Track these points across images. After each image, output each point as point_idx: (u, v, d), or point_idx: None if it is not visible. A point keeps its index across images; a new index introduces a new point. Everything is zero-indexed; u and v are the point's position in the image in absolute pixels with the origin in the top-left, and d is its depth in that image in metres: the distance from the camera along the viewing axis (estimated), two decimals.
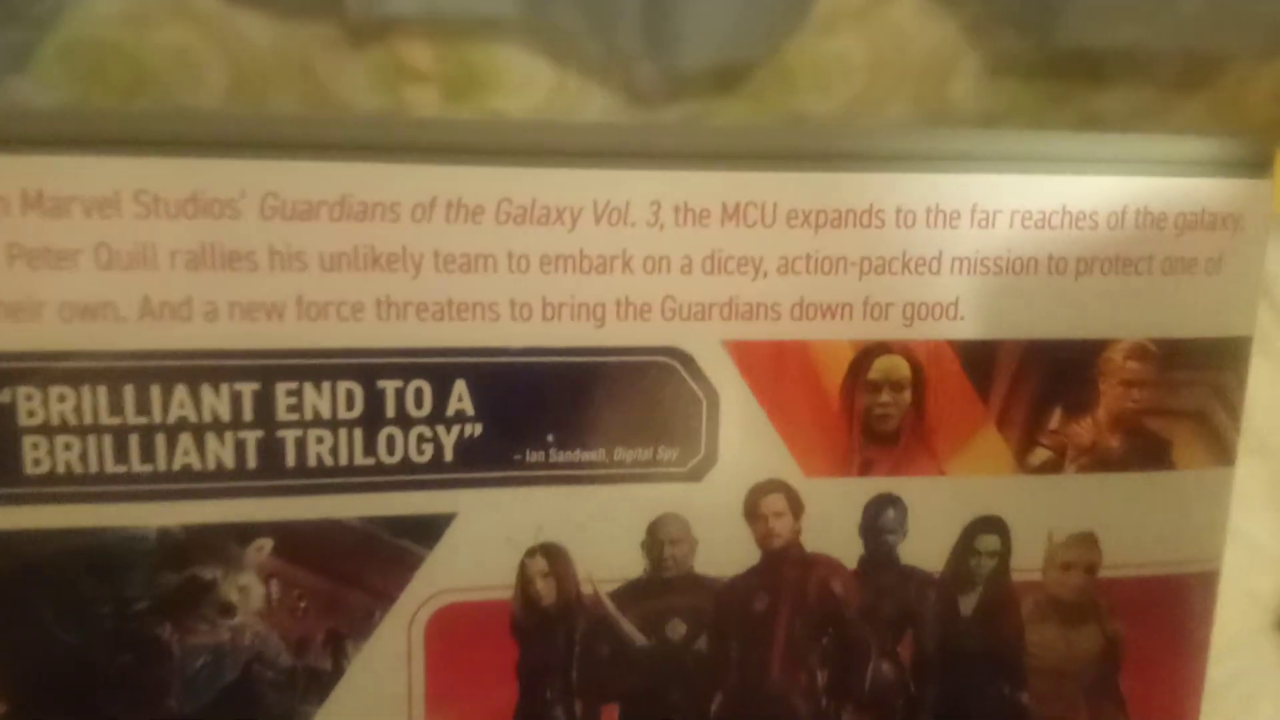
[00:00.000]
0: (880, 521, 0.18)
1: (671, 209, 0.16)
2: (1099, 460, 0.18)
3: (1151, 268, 0.18)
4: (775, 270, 0.17)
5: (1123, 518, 0.18)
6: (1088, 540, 0.18)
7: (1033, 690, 0.19)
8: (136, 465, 0.16)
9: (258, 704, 0.17)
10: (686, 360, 0.17)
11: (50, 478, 0.16)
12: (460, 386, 0.16)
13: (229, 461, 0.16)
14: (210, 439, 0.16)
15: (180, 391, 0.16)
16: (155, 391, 0.16)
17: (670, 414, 0.17)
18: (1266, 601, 0.45)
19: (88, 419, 0.16)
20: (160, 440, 0.16)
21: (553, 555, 0.17)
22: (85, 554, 0.16)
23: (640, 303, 0.17)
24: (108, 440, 0.16)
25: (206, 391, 0.16)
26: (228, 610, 0.17)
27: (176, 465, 0.16)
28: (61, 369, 0.15)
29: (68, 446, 0.16)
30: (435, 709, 0.17)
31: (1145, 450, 0.18)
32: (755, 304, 0.17)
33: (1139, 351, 0.18)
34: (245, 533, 0.16)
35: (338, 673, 0.17)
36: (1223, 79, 0.30)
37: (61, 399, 0.15)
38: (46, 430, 0.16)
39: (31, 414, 0.15)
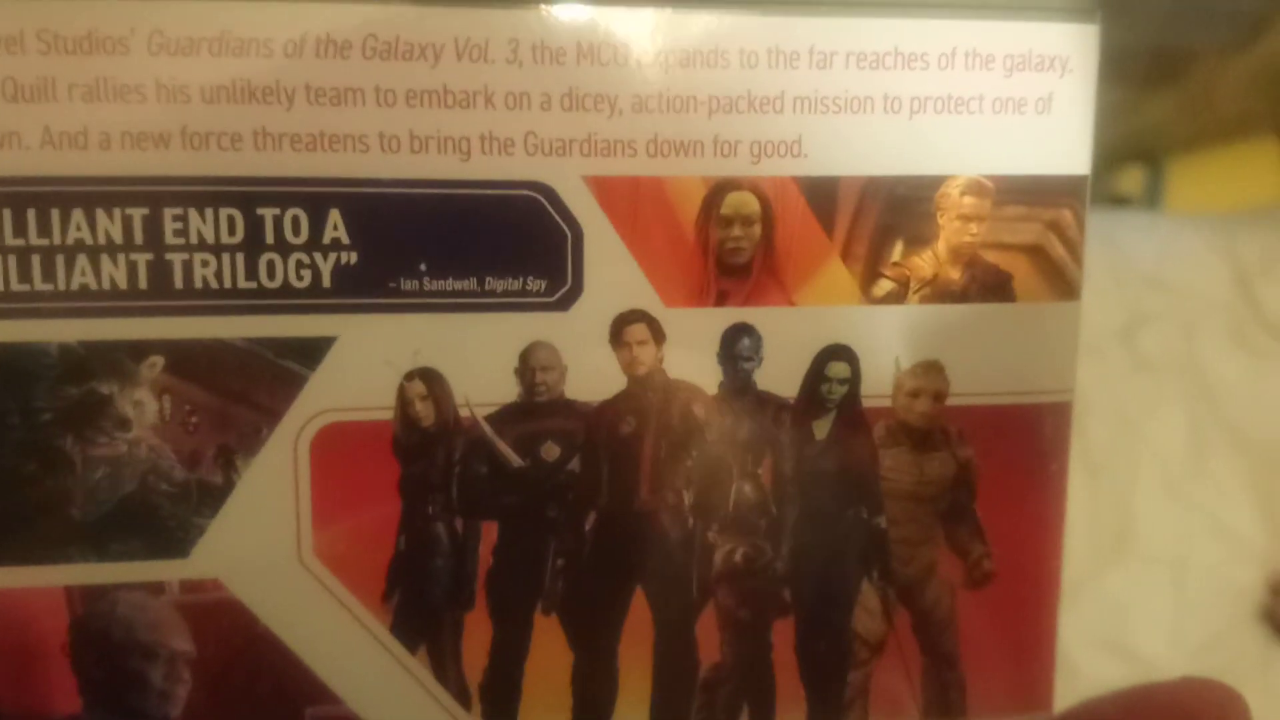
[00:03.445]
0: (736, 349, 0.20)
1: (529, 47, 0.18)
2: (941, 291, 0.20)
3: (983, 107, 0.19)
4: (630, 108, 0.19)
5: (968, 347, 0.20)
6: (934, 368, 0.20)
7: (890, 514, 0.20)
8: (38, 284, 0.18)
9: (154, 514, 0.19)
10: (550, 194, 0.19)
11: None
12: (335, 215, 0.18)
13: (122, 282, 0.18)
14: (105, 260, 0.18)
15: (77, 215, 0.18)
16: (55, 215, 0.18)
17: (537, 246, 0.19)
18: (1249, 593, 0.46)
19: None
20: (60, 261, 0.18)
21: (430, 379, 0.19)
22: None
23: (504, 138, 0.18)
24: (12, 260, 0.18)
25: (101, 216, 0.18)
26: (124, 424, 0.18)
27: (75, 285, 0.18)
28: None
29: None
30: (322, 522, 0.19)
31: (986, 282, 0.20)
32: (613, 141, 0.19)
33: (974, 187, 0.19)
34: (138, 350, 0.18)
35: (228, 486, 0.19)
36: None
37: None
38: None
39: None
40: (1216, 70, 0.32)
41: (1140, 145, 0.52)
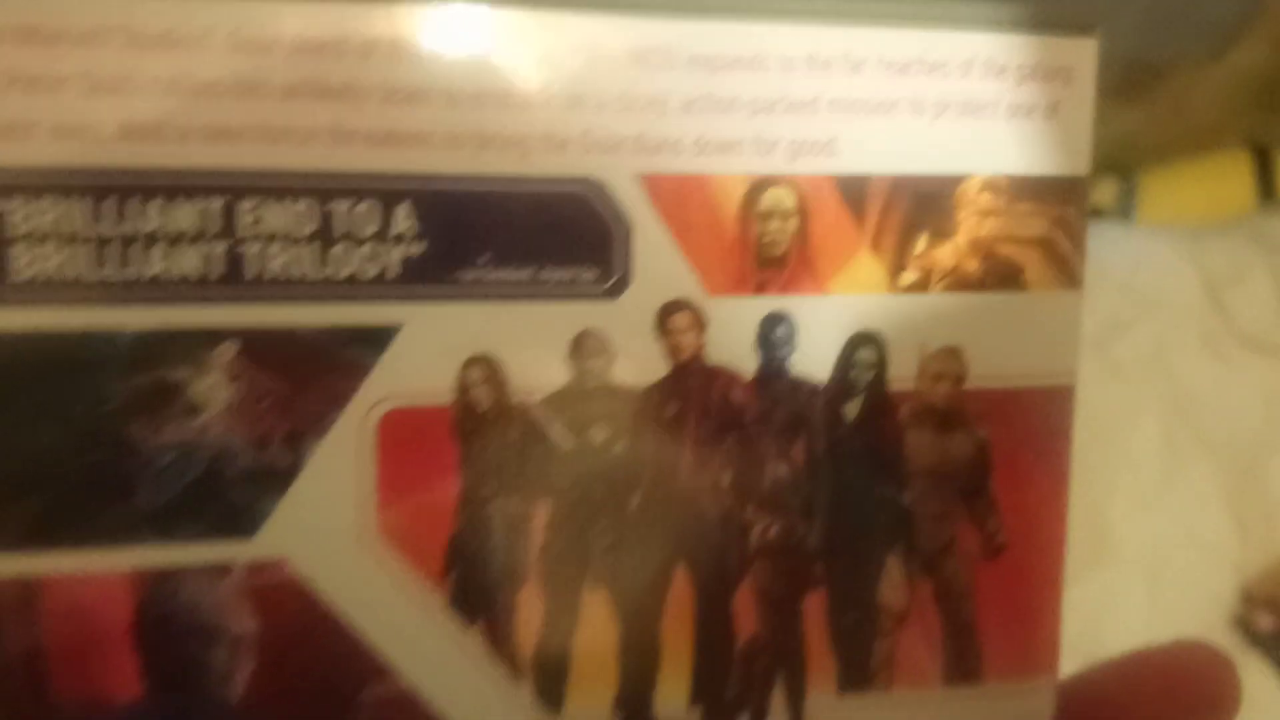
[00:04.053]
0: (773, 336, 0.21)
1: (586, 53, 0.19)
2: (960, 281, 0.21)
3: (997, 111, 0.21)
4: (678, 110, 0.20)
5: (984, 333, 0.22)
6: (954, 353, 0.22)
7: (914, 491, 0.22)
8: (116, 272, 0.18)
9: (221, 497, 0.19)
10: (603, 189, 0.20)
11: (34, 283, 0.18)
12: (404, 208, 0.19)
13: (197, 271, 0.19)
14: (181, 249, 0.19)
15: (156, 204, 0.18)
16: (132, 205, 0.18)
17: (589, 238, 0.20)
18: (1222, 600, 0.48)
19: (69, 229, 0.18)
20: (137, 249, 0.19)
21: (488, 365, 0.20)
22: (67, 355, 0.18)
23: (560, 137, 0.20)
24: (90, 249, 0.18)
25: (176, 206, 0.19)
26: (194, 410, 0.19)
27: (152, 273, 0.19)
28: (49, 183, 0.18)
29: (53, 253, 0.18)
30: (386, 503, 0.20)
31: (1000, 273, 0.22)
32: (662, 140, 0.20)
33: (990, 185, 0.21)
34: (212, 337, 0.19)
35: (295, 469, 0.19)
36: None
37: (42, 211, 0.18)
38: (33, 238, 0.18)
39: (19, 224, 0.18)
40: (1188, 82, 0.34)
41: (1113, 157, 0.55)
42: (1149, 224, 0.58)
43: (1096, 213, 0.60)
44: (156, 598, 0.19)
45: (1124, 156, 0.55)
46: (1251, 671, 0.46)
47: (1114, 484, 0.46)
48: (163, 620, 0.19)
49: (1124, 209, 0.61)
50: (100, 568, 0.19)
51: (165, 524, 0.19)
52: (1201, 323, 0.49)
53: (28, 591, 0.19)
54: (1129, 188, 0.61)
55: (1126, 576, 0.45)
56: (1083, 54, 0.21)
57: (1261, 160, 0.60)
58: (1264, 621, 0.46)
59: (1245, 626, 0.47)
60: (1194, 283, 0.50)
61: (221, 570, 0.19)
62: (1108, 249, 0.51)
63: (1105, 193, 0.61)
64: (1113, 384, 0.47)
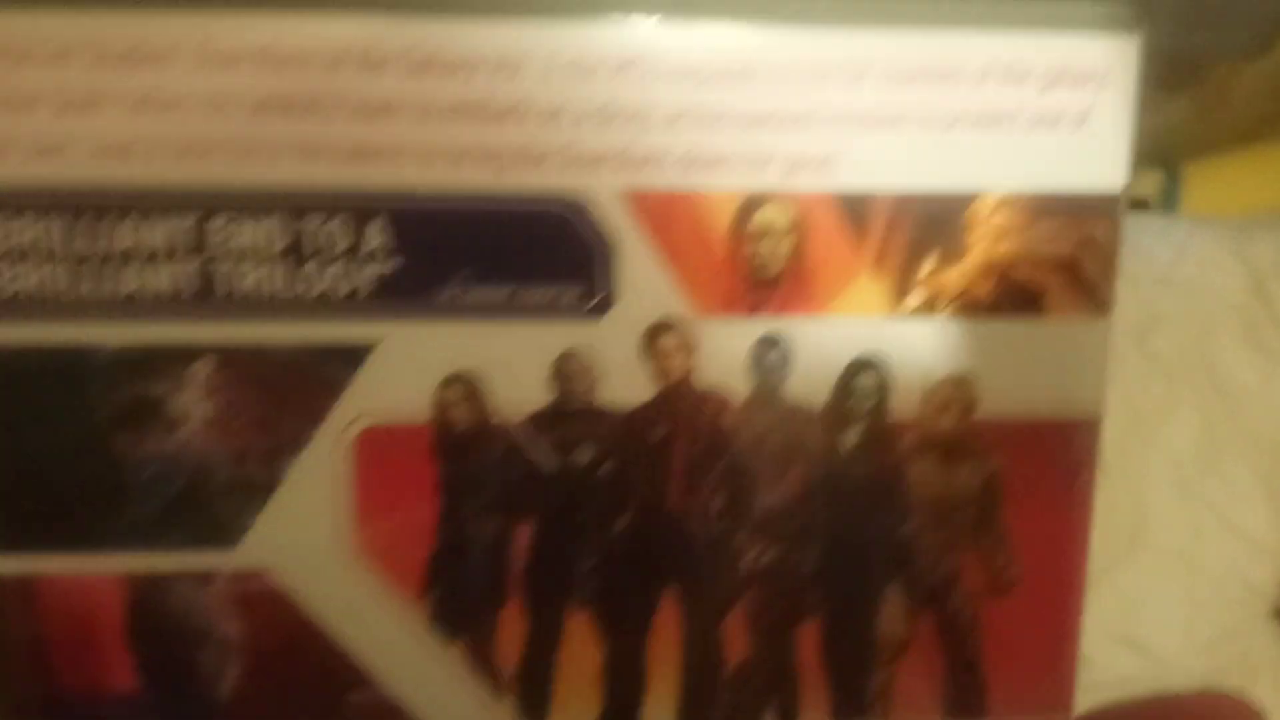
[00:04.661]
0: (766, 360, 0.19)
1: (565, 62, 0.17)
2: (971, 306, 0.19)
3: (1017, 123, 0.18)
4: (664, 123, 0.18)
5: (997, 362, 0.19)
6: (963, 381, 0.19)
7: (916, 523, 0.20)
8: (92, 289, 0.17)
9: (204, 509, 0.18)
10: (585, 207, 0.18)
11: (16, 299, 0.17)
12: (376, 225, 0.18)
13: (171, 288, 0.18)
14: (154, 267, 0.17)
15: (127, 224, 0.17)
16: (106, 224, 0.17)
17: (571, 257, 0.18)
18: (1263, 591, 0.44)
19: (47, 247, 0.17)
20: (112, 267, 0.17)
21: (467, 384, 0.18)
22: (51, 370, 0.17)
23: (538, 152, 0.18)
24: (67, 267, 0.17)
25: (149, 224, 0.17)
26: (174, 423, 0.18)
27: (126, 290, 0.17)
28: (27, 202, 0.17)
29: (32, 271, 0.17)
30: (364, 519, 0.19)
31: (1016, 298, 0.19)
32: (647, 155, 0.18)
33: (1007, 204, 0.18)
34: (188, 354, 0.18)
35: (274, 484, 0.18)
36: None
37: (20, 230, 0.17)
38: (12, 256, 0.17)
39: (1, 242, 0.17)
40: (1233, 74, 0.30)
41: (1157, 148, 0.50)
42: (1193, 215, 0.53)
43: (1141, 204, 0.55)
44: (147, 600, 0.19)
45: (1168, 148, 0.50)
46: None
47: (1153, 474, 0.43)
48: (153, 621, 0.19)
49: (1168, 200, 0.56)
50: (95, 570, 0.18)
51: (151, 533, 0.18)
52: (1244, 315, 0.44)
53: (27, 589, 0.18)
54: (1173, 179, 0.55)
55: (1165, 566, 0.42)
56: (1121, 54, 0.18)
57: None
58: None
59: None
60: (1237, 275, 0.45)
61: (207, 578, 0.18)
62: (1150, 240, 0.46)
63: (1149, 184, 0.56)
64: (1152, 376, 0.43)
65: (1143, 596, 0.42)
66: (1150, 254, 0.45)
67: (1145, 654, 0.42)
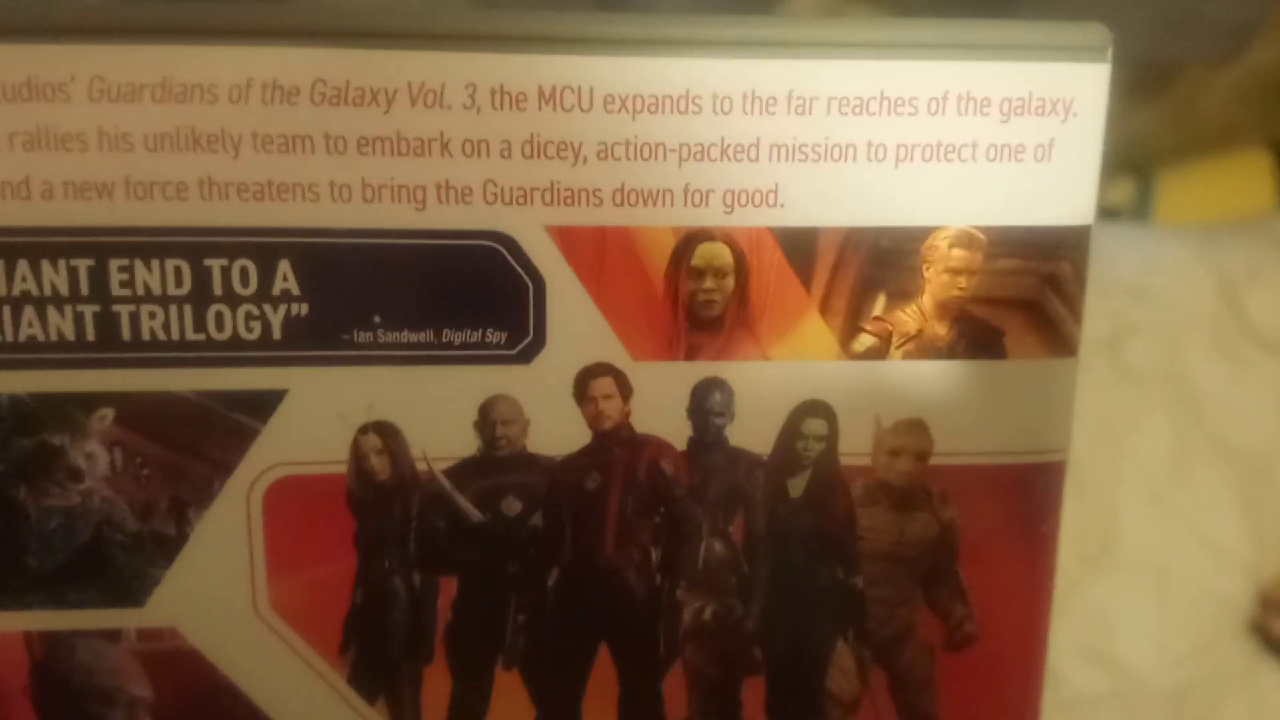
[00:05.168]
0: (708, 404, 0.18)
1: (488, 91, 0.16)
2: (926, 347, 0.18)
3: (975, 154, 0.17)
4: (595, 156, 0.17)
5: (954, 405, 0.18)
6: (916, 426, 0.18)
7: (867, 574, 0.19)
8: None
9: (109, 564, 0.17)
10: (511, 244, 0.17)
11: None
12: (284, 266, 0.17)
13: (70, 334, 0.17)
14: (51, 312, 0.16)
15: (22, 266, 0.16)
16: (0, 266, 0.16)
17: (497, 297, 0.17)
18: (1234, 604, 0.43)
19: None
20: (6, 312, 0.16)
21: (386, 432, 0.17)
22: None
23: (461, 186, 0.17)
24: None
25: (46, 267, 0.16)
26: (76, 475, 0.17)
27: (22, 336, 0.16)
28: None
29: None
30: (276, 574, 0.18)
31: (975, 339, 0.18)
32: (577, 190, 0.17)
33: (964, 239, 0.17)
34: (88, 402, 0.17)
35: (182, 538, 0.17)
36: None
37: None
38: None
39: None
40: (1204, 81, 0.29)
41: (1129, 157, 0.49)
42: (1166, 224, 0.53)
43: (1113, 213, 0.54)
44: (52, 659, 0.18)
45: (1140, 156, 0.49)
46: (1267, 677, 0.41)
47: (1125, 486, 0.42)
48: (60, 681, 0.18)
49: (1140, 209, 0.55)
50: None
51: (56, 589, 0.17)
52: (1216, 324, 0.44)
53: None
54: (1146, 187, 0.54)
55: (1137, 580, 0.41)
56: (1089, 81, 0.17)
57: None
58: (1278, 626, 0.41)
59: (1261, 631, 0.43)
60: (1209, 284, 0.45)
61: (115, 635, 0.17)
62: (1121, 250, 0.45)
63: (1122, 192, 0.55)
64: (1124, 386, 0.42)
65: (1113, 610, 0.42)
66: (1121, 264, 0.44)
67: (1115, 670, 0.42)
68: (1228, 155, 0.51)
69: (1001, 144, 0.17)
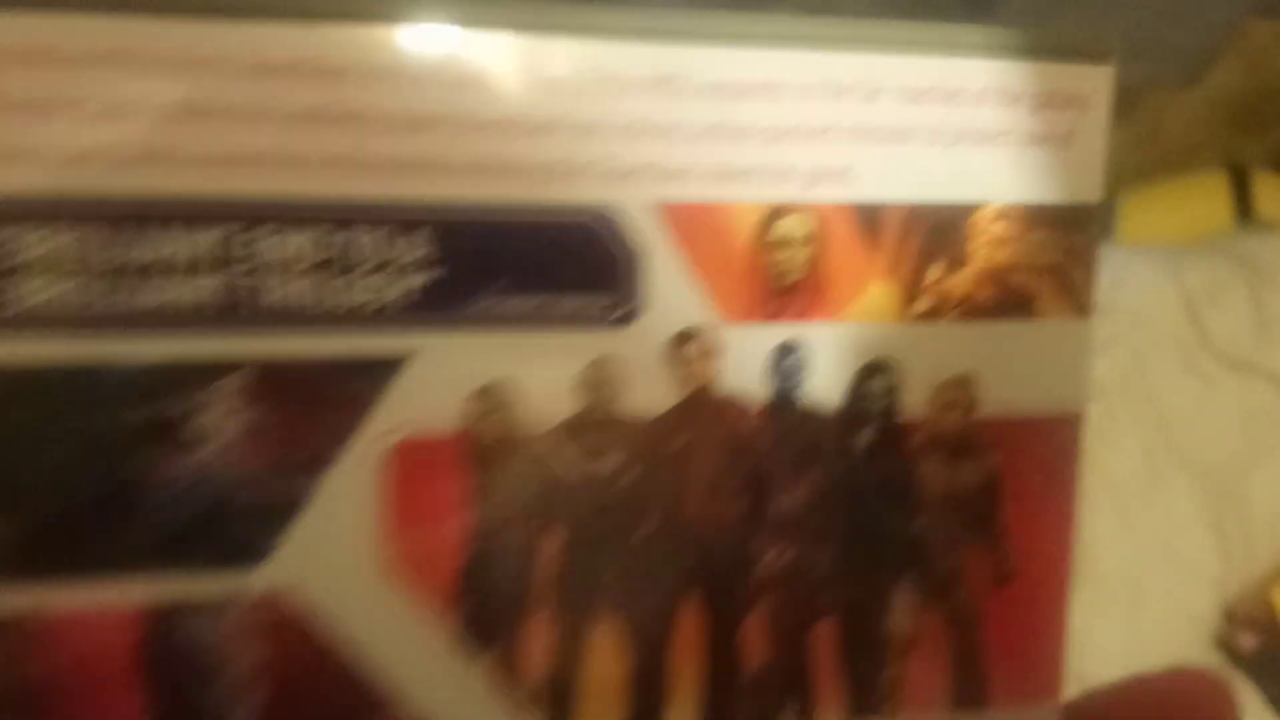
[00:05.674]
0: (784, 365, 0.20)
1: (602, 79, 0.18)
2: (973, 309, 0.20)
3: (1012, 140, 0.20)
4: (694, 137, 0.19)
5: (995, 362, 0.20)
6: (965, 382, 0.20)
7: (924, 519, 0.21)
8: (119, 302, 0.17)
9: (230, 528, 0.18)
10: (617, 218, 0.19)
11: (38, 313, 0.17)
12: (416, 238, 0.18)
13: (202, 301, 0.17)
14: (184, 279, 0.17)
15: (160, 233, 0.17)
16: (138, 233, 0.17)
17: (603, 266, 0.19)
18: (1203, 619, 0.46)
19: (77, 257, 0.17)
20: (141, 279, 0.17)
21: (497, 395, 0.19)
22: (72, 386, 0.17)
23: (575, 164, 0.18)
24: (95, 279, 0.17)
25: (182, 234, 0.17)
26: (202, 440, 0.18)
27: (155, 304, 0.17)
28: (51, 212, 0.16)
29: (56, 283, 0.17)
30: (396, 532, 0.18)
31: (1012, 301, 0.20)
32: (676, 168, 0.19)
33: (1004, 214, 0.20)
34: (218, 368, 0.18)
35: (304, 500, 0.18)
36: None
37: (48, 239, 0.17)
38: (40, 267, 0.17)
39: (21, 252, 0.16)
40: (1165, 104, 0.33)
41: None
42: (1128, 244, 0.57)
43: None
44: (161, 633, 0.18)
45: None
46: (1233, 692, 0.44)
47: (1093, 503, 0.44)
48: (168, 657, 0.18)
49: (1104, 229, 0.59)
50: (106, 599, 0.17)
51: (172, 554, 0.18)
52: (1180, 341, 0.47)
53: (30, 625, 0.17)
54: (1108, 208, 0.59)
55: (1106, 596, 0.43)
56: (1097, 82, 0.20)
57: (1238, 180, 0.58)
58: (1246, 641, 0.44)
59: (1227, 646, 0.46)
60: (1173, 302, 0.48)
61: (229, 603, 0.18)
62: None
63: None
64: (1092, 402, 0.46)
65: (1083, 627, 0.43)
66: None
67: (1085, 685, 0.44)
68: (1187, 177, 0.55)
69: (1031, 132, 0.20)
